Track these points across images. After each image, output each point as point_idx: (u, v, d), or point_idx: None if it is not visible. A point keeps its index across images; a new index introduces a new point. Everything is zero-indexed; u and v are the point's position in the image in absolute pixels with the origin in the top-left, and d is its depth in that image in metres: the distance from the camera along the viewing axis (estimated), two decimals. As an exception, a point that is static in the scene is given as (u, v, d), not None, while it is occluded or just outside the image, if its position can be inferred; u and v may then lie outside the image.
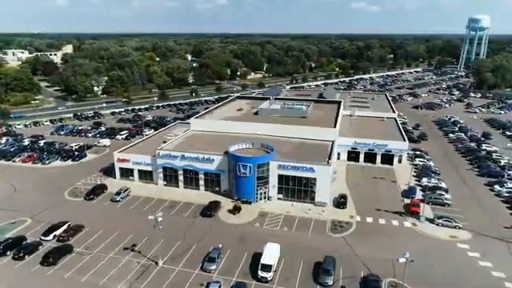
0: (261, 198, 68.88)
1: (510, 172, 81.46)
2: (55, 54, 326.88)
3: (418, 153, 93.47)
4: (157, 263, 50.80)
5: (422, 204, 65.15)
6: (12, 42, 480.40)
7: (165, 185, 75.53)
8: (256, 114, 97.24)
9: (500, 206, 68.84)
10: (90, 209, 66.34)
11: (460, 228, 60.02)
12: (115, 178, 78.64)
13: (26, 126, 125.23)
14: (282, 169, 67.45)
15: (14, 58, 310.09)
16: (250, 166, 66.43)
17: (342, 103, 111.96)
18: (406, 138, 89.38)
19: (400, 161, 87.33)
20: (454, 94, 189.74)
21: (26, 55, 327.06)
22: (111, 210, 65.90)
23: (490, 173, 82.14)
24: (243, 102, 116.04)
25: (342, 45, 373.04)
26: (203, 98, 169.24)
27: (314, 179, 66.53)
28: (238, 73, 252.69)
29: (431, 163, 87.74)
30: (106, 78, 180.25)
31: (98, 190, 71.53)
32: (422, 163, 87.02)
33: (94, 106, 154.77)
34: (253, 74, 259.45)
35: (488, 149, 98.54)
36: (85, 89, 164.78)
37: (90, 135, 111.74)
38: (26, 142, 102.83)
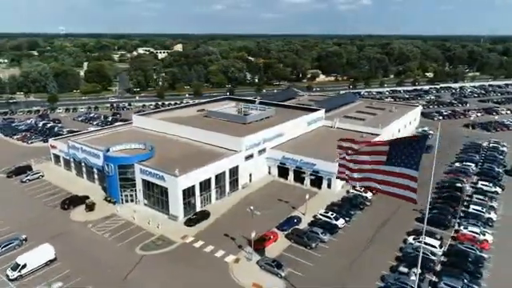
0: (127, 201, 67.15)
1: (464, 223, 59.05)
2: (164, 52, 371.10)
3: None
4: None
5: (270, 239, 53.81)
6: (150, 41, 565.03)
7: (76, 174, 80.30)
8: (206, 116, 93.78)
9: (385, 263, 51.00)
10: (-4, 185, 75.68)
11: (281, 277, 47.36)
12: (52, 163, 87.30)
13: (66, 110, 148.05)
14: (143, 173, 64.26)
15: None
16: (112, 166, 65.42)
17: (322, 112, 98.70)
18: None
19: (329, 185, 72.31)
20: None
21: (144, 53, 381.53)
22: (8, 189, 73.70)
23: (434, 219, 61.08)
24: (227, 102, 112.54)
25: (454, 47, 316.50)
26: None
27: (167, 189, 61.46)
28: (309, 75, 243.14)
29: (368, 194, 69.98)
30: (163, 74, 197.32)
31: (20, 170, 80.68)
32: (355, 192, 70.35)
33: (142, 98, 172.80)
34: (323, 76, 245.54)
35: (485, 188, 72.95)
36: (138, 83, 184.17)
37: (94, 123, 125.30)
38: (41, 124, 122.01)
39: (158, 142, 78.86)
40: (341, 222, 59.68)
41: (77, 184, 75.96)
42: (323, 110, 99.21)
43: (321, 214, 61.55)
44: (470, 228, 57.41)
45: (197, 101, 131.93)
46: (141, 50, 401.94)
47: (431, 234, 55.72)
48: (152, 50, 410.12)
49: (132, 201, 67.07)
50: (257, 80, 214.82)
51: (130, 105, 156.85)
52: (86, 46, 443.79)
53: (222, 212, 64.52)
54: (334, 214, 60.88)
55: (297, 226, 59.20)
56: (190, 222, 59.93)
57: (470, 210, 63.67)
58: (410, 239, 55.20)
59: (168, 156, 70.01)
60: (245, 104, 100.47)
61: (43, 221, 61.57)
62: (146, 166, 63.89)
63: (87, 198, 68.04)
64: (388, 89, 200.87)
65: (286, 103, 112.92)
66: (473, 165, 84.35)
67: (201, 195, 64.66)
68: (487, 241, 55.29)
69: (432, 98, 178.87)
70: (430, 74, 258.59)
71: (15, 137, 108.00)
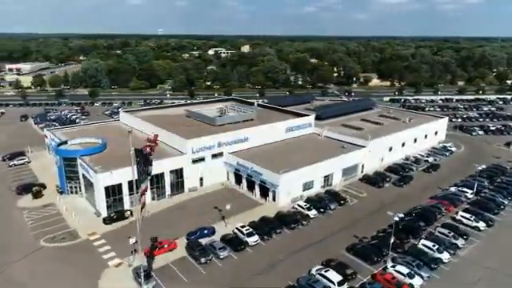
0: (72, 192, 69.81)
1: (397, 261, 48.97)
2: (228, 53, 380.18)
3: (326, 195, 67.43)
4: None
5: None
6: (228, 42, 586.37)
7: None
8: (188, 116, 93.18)
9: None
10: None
11: (139, 290, 44.50)
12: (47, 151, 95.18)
13: (103, 104, 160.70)
14: (81, 167, 66.19)
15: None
16: (58, 158, 68.64)
17: (309, 118, 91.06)
18: (287, 172, 65.71)
19: (274, 198, 66.10)
20: None
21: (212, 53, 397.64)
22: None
23: (362, 250, 51.81)
24: (227, 104, 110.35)
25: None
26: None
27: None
28: (361, 79, 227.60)
29: (311, 212, 62.07)
30: (206, 73, 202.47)
31: (14, 155, 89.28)
32: (298, 209, 63.20)
33: (173, 96, 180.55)
34: (377, 80, 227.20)
35: (465, 221, 59.72)
36: (178, 81, 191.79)
37: (115, 117, 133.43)
38: (69, 115, 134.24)
39: (126, 137, 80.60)
40: (253, 240, 53.99)
41: (50, 172, 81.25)
42: (312, 117, 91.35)
43: (237, 228, 56.45)
44: (398, 267, 47.26)
45: (205, 101, 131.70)
46: (210, 51, 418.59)
47: (342, 268, 47.14)
48: (223, 50, 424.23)
49: (76, 192, 69.60)
50: (300, 82, 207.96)
51: (161, 102, 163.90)
52: (168, 46, 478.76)
53: (149, 213, 63.23)
54: (250, 230, 55.31)
55: (210, 238, 55.33)
56: (106, 220, 59.90)
57: (419, 246, 52.58)
58: (314, 270, 47.44)
59: (120, 153, 70.40)
60: (231, 105, 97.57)
61: (-8, 203, 67.16)
62: (83, 160, 65.67)
63: (42, 185, 72.42)
64: (442, 97, 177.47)
65: (287, 108, 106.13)
66: (469, 191, 69.59)
67: (131, 194, 64.10)
68: (412, 286, 44.95)
69: (492, 109, 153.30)
70: (510, 82, 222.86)
71: (39, 125, 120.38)
